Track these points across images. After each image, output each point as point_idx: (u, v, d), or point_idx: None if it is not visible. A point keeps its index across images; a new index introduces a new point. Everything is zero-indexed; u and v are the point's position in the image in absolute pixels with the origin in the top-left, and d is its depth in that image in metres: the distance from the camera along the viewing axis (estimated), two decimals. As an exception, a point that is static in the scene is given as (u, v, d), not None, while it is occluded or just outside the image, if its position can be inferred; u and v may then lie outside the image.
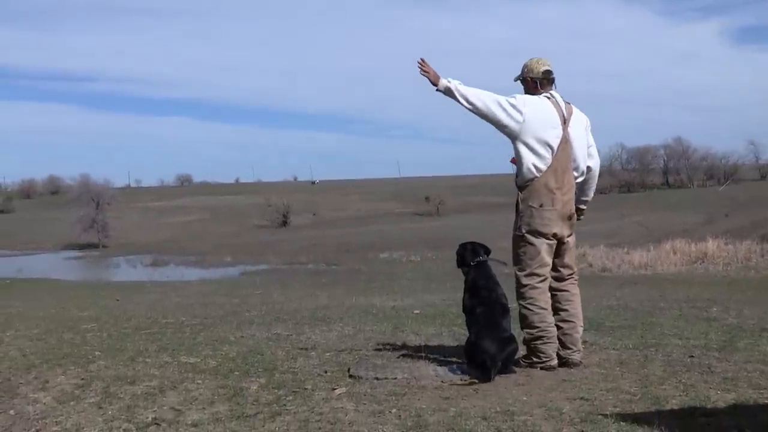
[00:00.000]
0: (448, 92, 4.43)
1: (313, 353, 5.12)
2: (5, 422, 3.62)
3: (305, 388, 4.07)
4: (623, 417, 3.37)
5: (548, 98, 4.55)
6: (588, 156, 4.71)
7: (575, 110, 4.64)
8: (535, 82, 4.61)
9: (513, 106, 4.43)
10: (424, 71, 4.45)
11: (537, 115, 4.44)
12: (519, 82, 4.72)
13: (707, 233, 25.42)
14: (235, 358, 4.98)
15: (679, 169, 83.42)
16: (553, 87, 4.63)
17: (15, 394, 4.13)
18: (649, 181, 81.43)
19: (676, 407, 3.57)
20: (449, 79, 4.43)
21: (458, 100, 4.42)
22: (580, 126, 4.65)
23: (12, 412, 3.78)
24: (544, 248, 4.47)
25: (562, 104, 4.58)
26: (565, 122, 4.52)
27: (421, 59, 4.47)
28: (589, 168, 4.74)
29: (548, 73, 4.63)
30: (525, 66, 4.69)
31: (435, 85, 4.44)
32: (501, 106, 4.42)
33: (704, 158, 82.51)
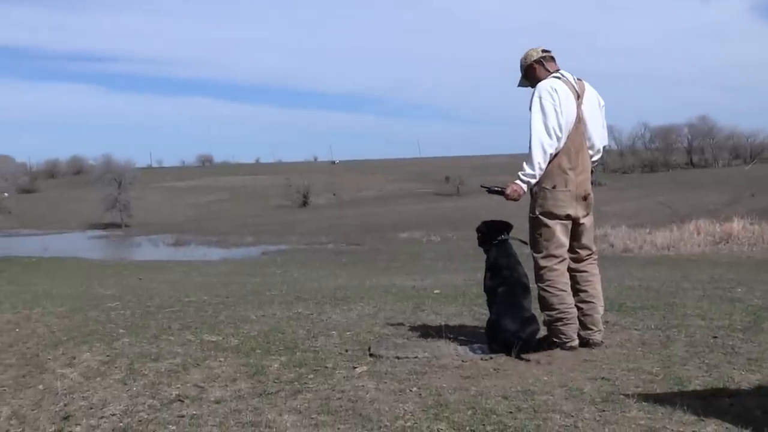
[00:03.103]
0: (532, 179, 4.34)
1: (333, 332, 5.15)
2: (35, 396, 3.69)
3: (326, 367, 4.09)
4: (645, 397, 3.36)
5: (558, 78, 4.47)
6: None
7: (587, 86, 4.56)
8: (540, 62, 4.54)
9: (555, 126, 4.30)
10: (514, 198, 4.38)
11: (562, 101, 4.38)
12: (524, 85, 4.63)
13: (732, 213, 25.08)
14: (257, 337, 5.02)
15: (704, 149, 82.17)
16: (557, 64, 4.57)
17: (44, 369, 4.21)
18: (673, 161, 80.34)
19: (699, 388, 3.54)
20: (519, 176, 4.35)
21: (537, 171, 4.32)
22: (593, 102, 4.57)
23: (41, 386, 3.86)
24: (558, 229, 4.43)
25: (573, 80, 4.51)
26: (578, 98, 4.46)
27: (506, 196, 4.40)
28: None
29: (547, 51, 4.57)
30: (522, 60, 4.61)
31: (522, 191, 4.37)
32: (550, 131, 4.30)
33: (730, 137, 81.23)
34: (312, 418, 3.23)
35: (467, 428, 3.05)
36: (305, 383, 3.77)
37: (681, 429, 2.98)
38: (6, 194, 32.43)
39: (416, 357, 4.23)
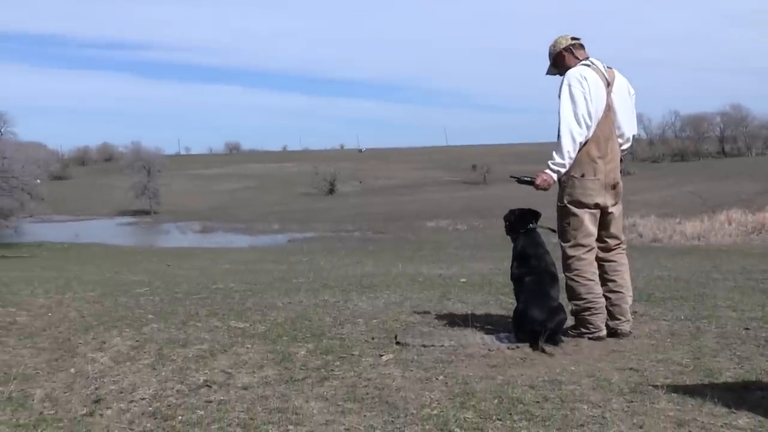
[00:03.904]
0: (562, 168, 4.29)
1: (360, 320, 5.16)
2: (67, 379, 3.75)
3: (352, 354, 4.11)
4: (674, 388, 3.32)
5: (588, 66, 4.41)
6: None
7: (617, 74, 4.50)
8: (569, 50, 4.48)
9: (585, 114, 4.25)
10: (544, 188, 4.34)
11: (592, 89, 4.32)
12: (552, 73, 4.58)
13: (765, 203, 24.65)
14: (284, 324, 5.05)
15: (736, 137, 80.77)
16: (586, 51, 4.50)
17: (75, 353, 4.28)
18: (704, 150, 79.12)
19: (730, 380, 3.49)
20: (549, 165, 4.30)
21: (567, 160, 4.27)
22: (623, 91, 4.51)
23: (73, 370, 3.92)
24: (587, 218, 4.38)
25: (603, 69, 4.44)
26: (608, 86, 4.39)
27: (536, 186, 4.36)
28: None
29: (576, 38, 4.51)
30: (551, 47, 4.55)
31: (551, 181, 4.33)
32: (580, 119, 4.24)
33: (764, 126, 79.70)
34: (338, 405, 3.24)
35: (494, 417, 3.04)
36: (332, 370, 3.79)
37: (712, 421, 2.94)
38: (38, 181, 32.90)
39: (442, 345, 4.23)
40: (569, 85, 4.31)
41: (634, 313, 4.72)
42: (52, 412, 3.26)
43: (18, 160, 29.78)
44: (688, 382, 3.45)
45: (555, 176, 4.33)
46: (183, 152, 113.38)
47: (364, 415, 3.10)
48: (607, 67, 4.47)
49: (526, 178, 4.50)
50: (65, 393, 3.53)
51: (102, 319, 5.33)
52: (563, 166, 4.30)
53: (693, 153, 77.50)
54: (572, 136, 4.26)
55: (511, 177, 4.73)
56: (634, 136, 4.68)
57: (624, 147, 4.58)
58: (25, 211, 33.61)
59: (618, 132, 4.48)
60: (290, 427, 3.00)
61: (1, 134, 39.67)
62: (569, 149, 4.26)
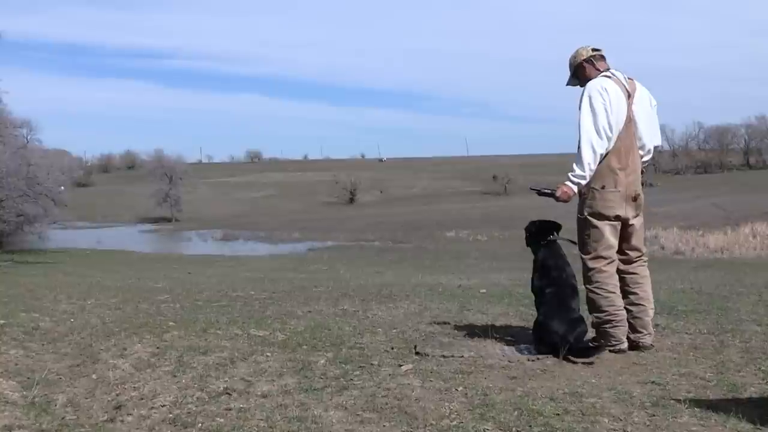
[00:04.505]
0: (582, 180, 4.25)
1: (379, 329, 5.16)
2: (89, 385, 3.79)
3: (372, 364, 4.10)
4: (697, 403, 3.27)
5: (608, 77, 4.38)
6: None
7: (638, 85, 4.47)
8: (590, 61, 4.47)
9: (606, 126, 4.21)
10: (564, 200, 4.31)
11: (612, 100, 4.29)
12: (573, 84, 4.56)
13: (790, 217, 24.31)
14: (303, 332, 5.06)
15: (761, 149, 79.75)
16: (607, 63, 4.48)
17: (96, 359, 4.32)
18: (728, 162, 78.19)
19: (755, 395, 3.44)
20: (569, 177, 4.27)
21: (588, 172, 4.24)
22: (645, 102, 4.47)
23: (94, 376, 3.96)
24: (607, 230, 4.35)
25: (624, 80, 4.41)
26: (629, 97, 4.37)
27: (556, 198, 4.34)
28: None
29: (597, 50, 4.50)
30: (572, 58, 4.54)
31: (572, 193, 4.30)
32: (600, 131, 4.21)
33: (791, 138, 78.64)
34: (357, 414, 3.24)
35: (513, 429, 3.02)
36: (351, 380, 3.79)
37: (735, 437, 2.89)
38: (62, 188, 33.33)
39: (462, 356, 4.21)
40: (590, 97, 4.29)
41: (656, 326, 4.67)
42: (74, 417, 3.29)
43: (43, 166, 30.19)
44: (711, 397, 3.40)
45: (575, 188, 4.30)
46: (205, 160, 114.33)
47: (383, 426, 3.10)
48: (628, 78, 4.45)
49: (546, 191, 4.47)
50: (87, 399, 3.56)
51: (123, 326, 5.38)
52: (583, 178, 4.27)
53: (717, 165, 76.64)
54: (593, 147, 4.23)
55: (531, 189, 4.71)
56: (656, 147, 4.65)
57: (645, 159, 4.55)
58: (49, 218, 34.03)
59: (639, 143, 4.45)
60: (309, 436, 3.00)
61: (27, 141, 40.18)
62: (590, 161, 4.24)
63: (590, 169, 4.25)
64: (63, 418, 3.26)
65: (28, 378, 3.90)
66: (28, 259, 27.50)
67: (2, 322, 5.51)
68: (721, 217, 32.33)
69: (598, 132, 4.23)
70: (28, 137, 42.99)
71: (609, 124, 4.24)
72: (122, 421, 3.23)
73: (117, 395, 3.61)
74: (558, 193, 4.32)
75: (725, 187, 51.80)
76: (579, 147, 4.27)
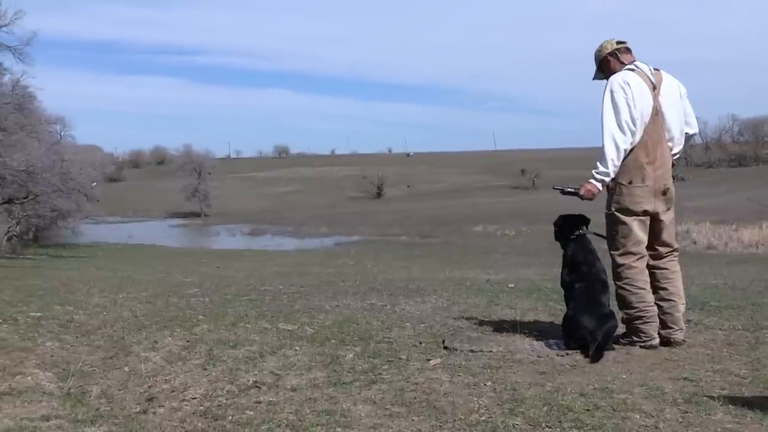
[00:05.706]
0: (606, 177, 4.22)
1: (407, 324, 5.16)
2: (121, 377, 3.85)
3: (400, 358, 4.10)
4: (731, 400, 3.22)
5: (632, 70, 4.31)
6: (685, 125, 4.47)
7: (665, 76, 4.38)
8: (615, 55, 4.40)
9: (628, 121, 4.16)
10: (589, 198, 4.29)
11: (635, 94, 4.23)
12: (599, 78, 4.49)
13: (827, 210, 23.79)
14: (331, 327, 5.08)
15: (797, 142, 78.04)
16: (633, 55, 4.41)
17: (128, 352, 4.38)
18: (764, 155, 76.66)
19: (790, 393, 3.38)
20: (593, 174, 4.24)
21: (611, 168, 4.20)
22: (672, 93, 4.38)
23: (127, 368, 4.02)
24: (636, 226, 4.28)
25: (648, 72, 4.33)
26: (654, 89, 4.29)
27: (580, 196, 4.31)
28: (686, 135, 4.50)
29: (622, 42, 4.43)
30: (597, 52, 4.49)
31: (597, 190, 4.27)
32: (623, 126, 4.16)
33: (827, 130, 76.84)
34: (386, 408, 3.24)
35: (543, 424, 3.00)
36: (379, 374, 3.79)
37: (770, 435, 2.84)
38: (95, 183, 33.86)
39: (491, 351, 4.20)
40: (611, 92, 4.24)
41: (687, 321, 4.61)
42: (108, 408, 3.34)
43: (76, 162, 30.71)
44: (746, 394, 3.35)
45: (600, 185, 4.25)
46: (233, 155, 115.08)
47: (412, 420, 3.10)
48: (654, 69, 4.37)
49: (570, 189, 4.43)
50: (120, 390, 3.61)
51: (154, 319, 5.45)
52: (607, 174, 4.22)
53: (752, 158, 75.18)
54: (615, 143, 4.18)
55: (554, 188, 4.67)
56: (693, 135, 4.57)
57: (675, 150, 4.47)
58: (81, 213, 34.62)
59: (668, 135, 4.36)
60: (338, 429, 3.02)
61: (61, 137, 40.84)
62: (613, 157, 4.19)
63: (614, 166, 4.20)
64: (97, 409, 3.32)
65: (64, 369, 3.97)
66: (62, 253, 28.03)
67: (39, 314, 5.62)
68: (756, 211, 31.72)
69: (620, 127, 4.17)
70: (62, 133, 43.73)
71: (632, 118, 4.18)
72: (154, 413, 3.28)
73: (149, 387, 3.66)
74: (582, 192, 4.28)
75: (760, 181, 50.77)
76: (602, 143, 4.22)
